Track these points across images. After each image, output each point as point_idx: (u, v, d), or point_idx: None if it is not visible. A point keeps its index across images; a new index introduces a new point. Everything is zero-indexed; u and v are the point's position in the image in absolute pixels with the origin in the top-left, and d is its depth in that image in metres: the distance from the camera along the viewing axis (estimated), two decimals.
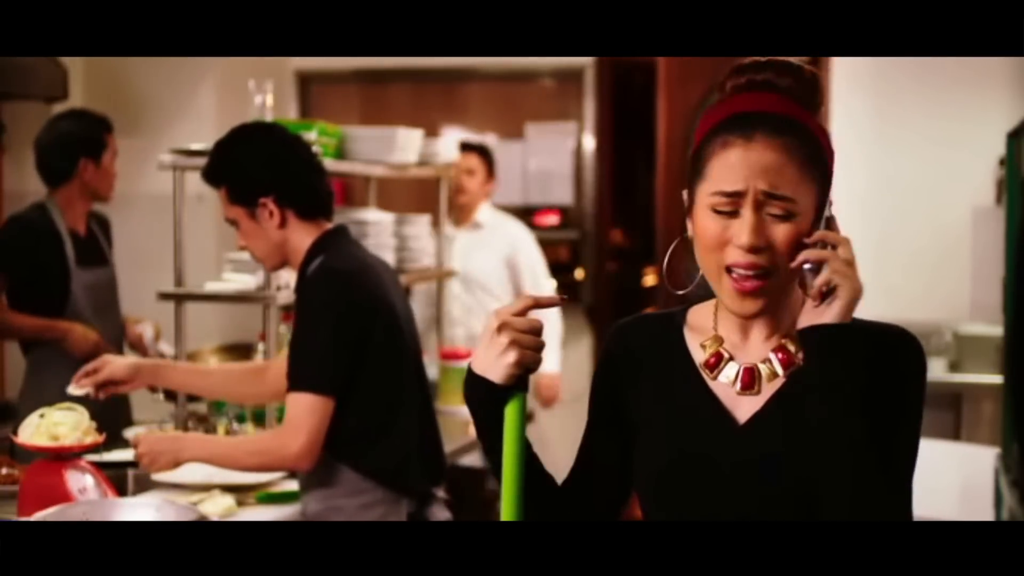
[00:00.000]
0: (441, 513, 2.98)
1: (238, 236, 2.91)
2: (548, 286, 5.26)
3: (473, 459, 4.56)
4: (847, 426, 1.50)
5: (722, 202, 1.54)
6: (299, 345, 2.79)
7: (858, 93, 5.53)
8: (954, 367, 5.00)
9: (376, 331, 2.83)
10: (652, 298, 6.73)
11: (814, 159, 1.56)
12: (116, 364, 3.04)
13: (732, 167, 1.54)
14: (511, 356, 1.55)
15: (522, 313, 1.57)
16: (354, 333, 2.79)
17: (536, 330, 1.57)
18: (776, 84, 1.59)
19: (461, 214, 5.22)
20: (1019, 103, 5.17)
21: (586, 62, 6.06)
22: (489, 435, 1.60)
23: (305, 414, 2.73)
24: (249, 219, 2.86)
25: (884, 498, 1.50)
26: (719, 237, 1.55)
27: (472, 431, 4.31)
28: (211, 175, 2.89)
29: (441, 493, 3.02)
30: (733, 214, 1.54)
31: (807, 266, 1.54)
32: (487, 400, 1.59)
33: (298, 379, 2.76)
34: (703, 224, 1.57)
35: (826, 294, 1.53)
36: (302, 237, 2.86)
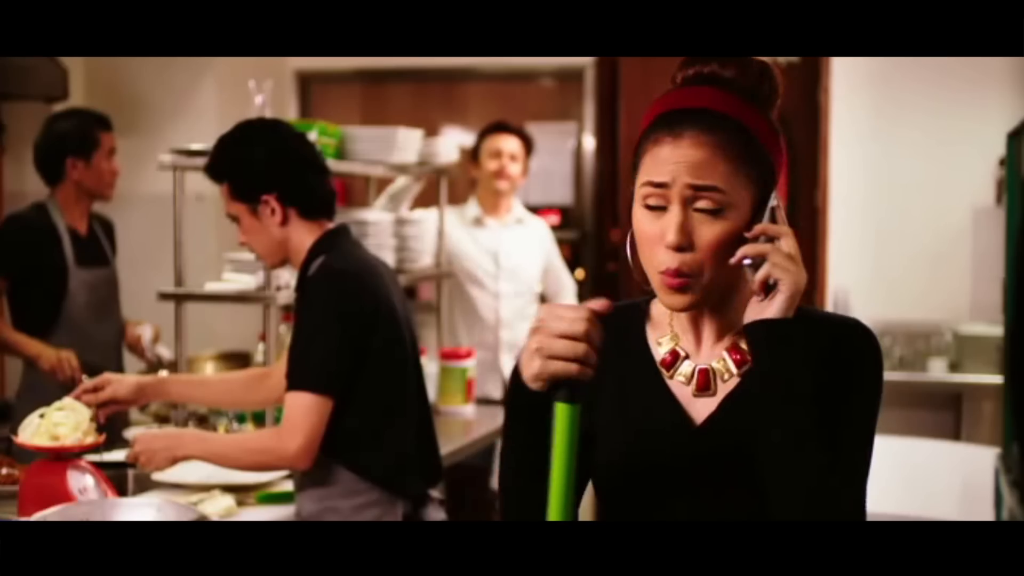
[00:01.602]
0: (437, 515, 2.97)
1: (239, 233, 2.90)
2: (571, 285, 5.11)
3: (474, 459, 4.56)
4: (793, 421, 1.48)
5: (651, 193, 1.53)
6: (300, 345, 2.79)
7: (858, 93, 5.54)
8: (954, 367, 5.01)
9: (377, 332, 2.82)
10: None
11: (749, 155, 1.54)
12: (119, 384, 3.00)
13: (660, 161, 1.53)
14: (535, 365, 1.43)
15: (572, 314, 1.44)
16: (356, 334, 2.79)
17: (575, 335, 1.42)
18: (720, 76, 1.57)
19: (497, 202, 4.88)
20: (1019, 103, 5.17)
21: (586, 62, 6.06)
22: (510, 438, 1.54)
23: (304, 414, 2.73)
24: (251, 216, 2.85)
25: (834, 493, 1.48)
26: (652, 235, 1.54)
27: (473, 432, 4.31)
28: (214, 170, 2.88)
29: (437, 494, 3.01)
30: (662, 210, 1.53)
31: (747, 261, 1.52)
32: (516, 400, 1.52)
33: (298, 379, 2.76)
34: (637, 220, 1.57)
35: (769, 288, 1.52)
36: (303, 236, 2.86)
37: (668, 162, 1.52)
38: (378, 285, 2.87)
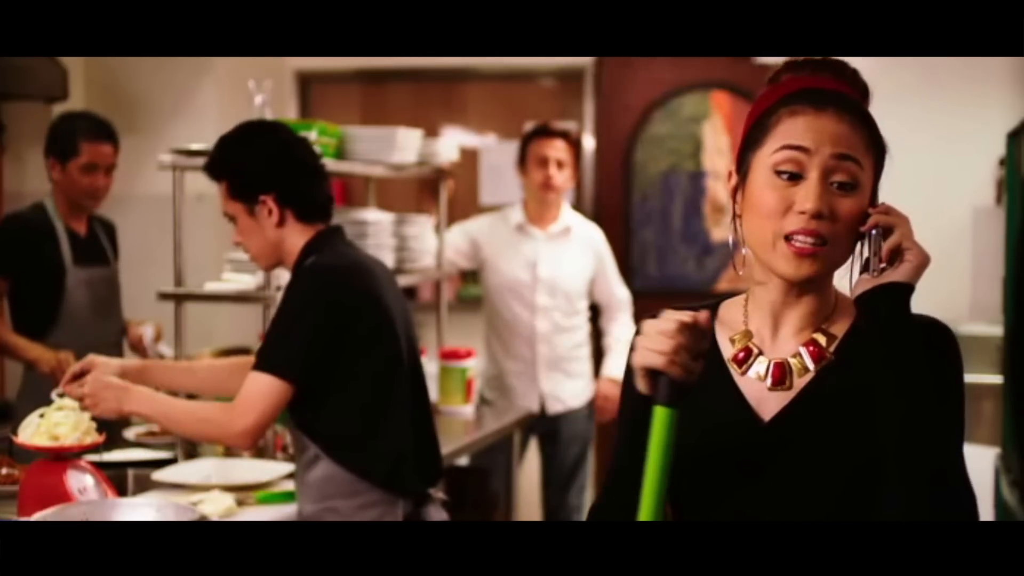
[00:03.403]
0: (438, 514, 2.97)
1: (234, 232, 2.91)
2: (622, 297, 4.82)
3: (474, 459, 4.56)
4: (911, 381, 1.49)
5: (788, 158, 1.54)
6: (273, 330, 2.82)
7: None
8: None
9: (360, 329, 2.81)
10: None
11: (875, 142, 1.59)
12: (105, 366, 2.95)
13: (801, 130, 1.54)
14: (634, 356, 1.50)
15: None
16: (333, 327, 2.78)
17: (666, 332, 1.47)
18: (838, 73, 1.62)
19: (543, 211, 4.67)
20: (1019, 103, 5.17)
21: (586, 62, 6.05)
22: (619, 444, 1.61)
23: (260, 395, 2.73)
24: (247, 216, 2.86)
25: (949, 454, 1.49)
26: (779, 204, 1.54)
27: (473, 432, 4.31)
28: (213, 169, 2.89)
29: (438, 494, 3.01)
30: (796, 178, 1.54)
31: (874, 232, 1.55)
32: (624, 408, 1.61)
33: (263, 360, 2.76)
34: (761, 191, 1.56)
35: (892, 260, 1.54)
36: (297, 238, 2.87)
37: (810, 131, 1.54)
38: (367, 282, 2.87)
